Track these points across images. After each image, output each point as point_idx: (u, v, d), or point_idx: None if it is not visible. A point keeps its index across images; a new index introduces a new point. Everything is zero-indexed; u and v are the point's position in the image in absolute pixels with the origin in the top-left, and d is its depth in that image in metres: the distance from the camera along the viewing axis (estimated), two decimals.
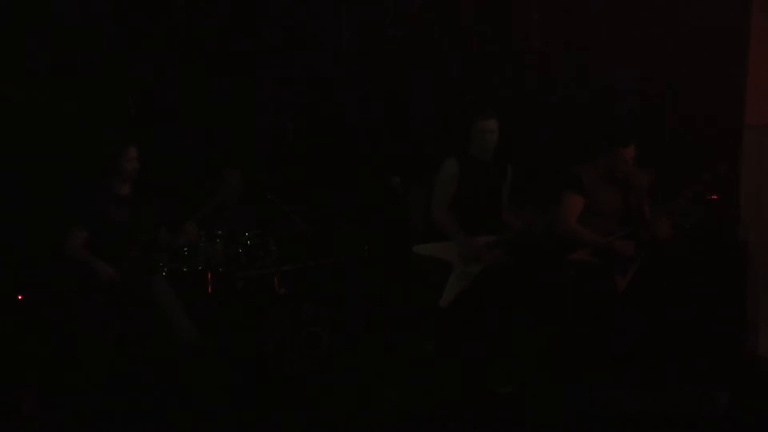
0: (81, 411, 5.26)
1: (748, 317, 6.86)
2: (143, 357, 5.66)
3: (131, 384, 5.50)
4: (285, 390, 5.85)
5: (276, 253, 6.58)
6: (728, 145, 7.04)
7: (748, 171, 6.82)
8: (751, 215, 6.91)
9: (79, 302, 5.55)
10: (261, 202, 6.71)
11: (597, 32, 7.29)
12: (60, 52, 6.83)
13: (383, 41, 7.57)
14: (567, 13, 7.38)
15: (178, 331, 5.65)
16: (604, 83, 7.23)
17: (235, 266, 6.40)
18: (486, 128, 5.80)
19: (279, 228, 6.65)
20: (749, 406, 5.51)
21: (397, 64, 7.54)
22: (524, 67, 7.53)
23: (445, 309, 5.82)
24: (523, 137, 7.22)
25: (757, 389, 5.95)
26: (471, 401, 5.56)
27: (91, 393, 5.36)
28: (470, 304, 5.85)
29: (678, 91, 7.16)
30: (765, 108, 6.90)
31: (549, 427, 5.26)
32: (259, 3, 7.44)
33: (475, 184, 5.85)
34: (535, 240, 5.96)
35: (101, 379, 5.45)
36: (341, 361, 6.17)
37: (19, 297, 6.03)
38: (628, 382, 5.64)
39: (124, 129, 6.24)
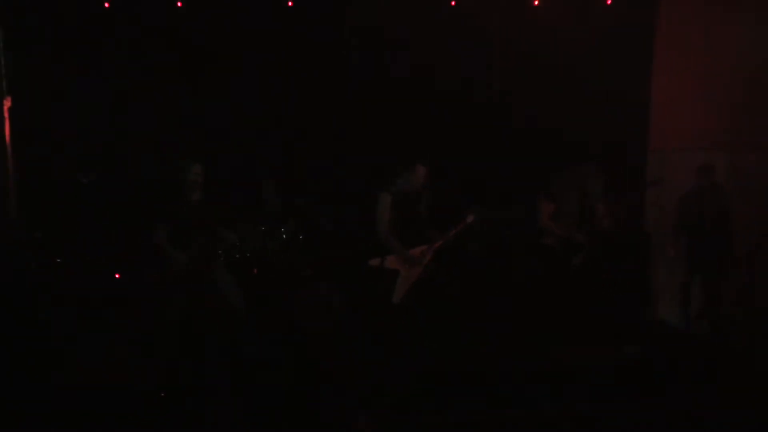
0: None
1: (650, 290, 7.73)
2: (205, 327, 6.14)
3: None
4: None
5: (306, 246, 7.06)
6: (633, 167, 7.69)
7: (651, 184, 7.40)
8: (654, 216, 7.82)
9: (157, 281, 6.25)
10: (293, 206, 7.15)
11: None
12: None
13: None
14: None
15: (232, 302, 6.35)
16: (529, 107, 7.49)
17: (273, 254, 6.96)
18: (422, 174, 6.50)
19: (307, 226, 7.10)
20: (650, 357, 6.12)
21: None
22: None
23: (397, 304, 6.40)
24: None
25: (655, 343, 6.69)
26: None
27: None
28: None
29: (586, 118, 7.49)
30: (666, 134, 7.65)
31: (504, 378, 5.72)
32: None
33: (404, 210, 6.52)
34: (452, 245, 6.49)
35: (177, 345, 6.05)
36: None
37: (117, 276, 6.78)
38: (565, 341, 6.34)
39: (193, 153, 6.59)
